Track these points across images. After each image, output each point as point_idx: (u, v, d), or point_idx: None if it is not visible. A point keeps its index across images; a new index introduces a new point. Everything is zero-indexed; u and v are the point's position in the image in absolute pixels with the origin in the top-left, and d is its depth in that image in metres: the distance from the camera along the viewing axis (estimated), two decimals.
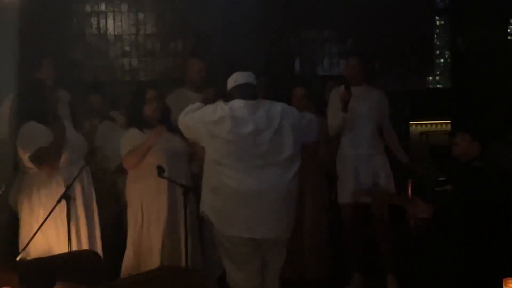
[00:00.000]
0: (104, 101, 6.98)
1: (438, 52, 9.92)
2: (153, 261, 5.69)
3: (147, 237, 5.75)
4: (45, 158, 5.51)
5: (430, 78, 9.90)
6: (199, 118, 5.09)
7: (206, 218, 5.17)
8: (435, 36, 9.78)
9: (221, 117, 4.97)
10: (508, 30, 9.50)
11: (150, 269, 5.49)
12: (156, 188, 5.71)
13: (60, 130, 5.56)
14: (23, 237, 5.55)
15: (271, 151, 4.95)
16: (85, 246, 5.66)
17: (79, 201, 5.64)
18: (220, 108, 5.03)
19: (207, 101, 5.40)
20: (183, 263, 5.60)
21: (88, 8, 8.57)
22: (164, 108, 5.86)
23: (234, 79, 5.18)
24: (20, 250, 5.43)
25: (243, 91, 5.13)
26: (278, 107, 5.12)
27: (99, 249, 5.79)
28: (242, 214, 4.96)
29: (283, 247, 5.23)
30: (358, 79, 6.53)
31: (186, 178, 5.78)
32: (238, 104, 5.06)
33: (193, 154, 5.79)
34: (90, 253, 5.51)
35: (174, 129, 5.80)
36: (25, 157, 5.52)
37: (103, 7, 8.57)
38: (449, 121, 8.55)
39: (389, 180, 6.46)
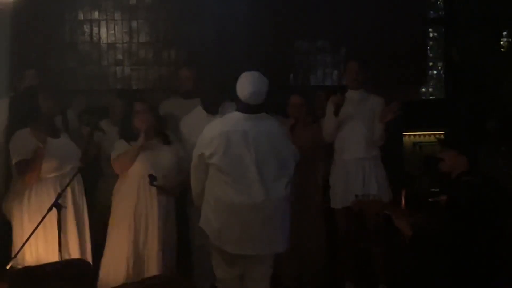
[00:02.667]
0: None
1: (431, 63, 9.94)
2: (144, 270, 5.68)
3: (140, 245, 5.73)
4: (25, 170, 5.50)
5: (423, 89, 9.92)
6: (198, 148, 5.04)
7: (204, 230, 5.14)
8: (428, 47, 9.80)
9: (219, 134, 4.90)
10: (501, 43, 9.52)
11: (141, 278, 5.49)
12: (145, 197, 5.70)
13: (41, 142, 5.54)
14: (16, 246, 5.53)
15: (264, 167, 4.88)
16: (74, 254, 5.63)
17: (69, 210, 5.63)
18: (216, 126, 4.99)
19: None
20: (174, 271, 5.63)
21: (81, 16, 8.53)
22: (155, 120, 5.88)
23: (247, 97, 4.93)
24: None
25: (249, 107, 4.96)
26: (278, 124, 5.10)
27: (89, 257, 5.77)
28: (235, 230, 4.93)
29: (268, 263, 5.18)
30: (357, 83, 6.53)
31: (174, 189, 5.83)
32: (237, 117, 4.98)
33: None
34: (80, 262, 5.50)
35: (167, 140, 5.83)
36: (13, 163, 5.54)
37: (96, 15, 8.54)
38: (443, 132, 8.54)
39: (383, 186, 6.45)
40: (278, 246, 5.07)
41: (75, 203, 5.73)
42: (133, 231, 5.73)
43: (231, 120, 4.99)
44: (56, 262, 5.33)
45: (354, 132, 6.47)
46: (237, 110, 5.03)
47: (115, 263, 5.75)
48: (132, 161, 5.69)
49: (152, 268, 5.70)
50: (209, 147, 4.91)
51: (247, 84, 4.93)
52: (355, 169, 6.48)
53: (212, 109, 6.24)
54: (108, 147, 6.26)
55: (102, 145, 6.46)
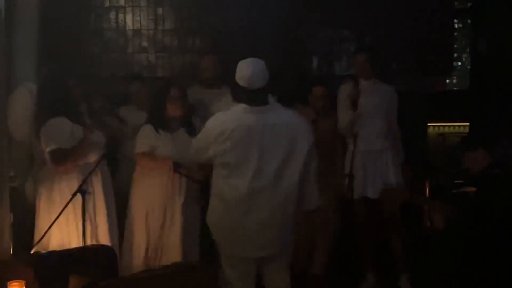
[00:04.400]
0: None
1: (455, 55, 9.90)
2: (169, 257, 5.71)
3: (162, 234, 5.76)
4: (62, 159, 5.53)
5: (448, 80, 9.90)
6: (204, 137, 4.80)
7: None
8: (454, 38, 9.77)
9: (223, 131, 4.67)
10: None
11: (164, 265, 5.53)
12: (168, 186, 5.72)
13: (88, 133, 5.58)
14: (39, 230, 5.57)
15: (268, 164, 4.67)
16: (103, 241, 5.66)
17: (99, 195, 5.65)
18: (220, 122, 4.74)
19: None
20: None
21: (107, 2, 8.56)
22: (187, 107, 5.87)
23: (248, 81, 4.71)
24: (35, 243, 5.46)
25: (253, 96, 4.74)
26: (289, 115, 4.85)
27: (116, 244, 5.80)
28: (234, 230, 4.76)
29: (284, 267, 5.01)
30: (367, 74, 6.51)
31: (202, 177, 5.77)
32: (242, 110, 4.74)
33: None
34: (104, 248, 5.53)
35: (192, 130, 5.82)
36: (46, 151, 5.55)
37: (122, 1, 8.55)
38: (467, 123, 8.53)
39: (398, 176, 6.45)
40: (277, 248, 4.87)
41: (104, 189, 5.75)
42: (154, 219, 5.76)
43: (235, 114, 4.75)
44: (80, 248, 5.37)
45: (371, 123, 6.46)
46: (242, 101, 4.80)
47: (134, 250, 5.83)
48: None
49: (173, 255, 5.73)
50: (213, 144, 4.72)
51: (245, 67, 4.73)
52: (373, 160, 6.48)
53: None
54: (130, 134, 6.29)
55: (124, 131, 6.49)
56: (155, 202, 5.80)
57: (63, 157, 5.53)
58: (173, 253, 5.74)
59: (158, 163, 5.79)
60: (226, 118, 4.76)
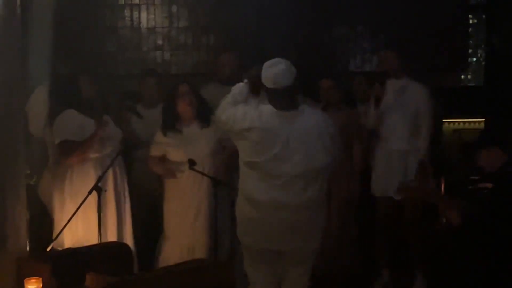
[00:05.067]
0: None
1: (470, 50, 9.86)
2: (193, 255, 5.73)
3: (187, 230, 5.78)
4: (69, 151, 5.55)
5: (462, 76, 9.87)
6: (230, 125, 4.81)
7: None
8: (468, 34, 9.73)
9: (251, 128, 4.69)
10: None
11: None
12: (190, 183, 5.74)
13: (100, 128, 5.59)
14: (57, 228, 5.59)
15: (297, 167, 4.69)
16: (113, 237, 5.68)
17: (109, 193, 5.66)
18: (250, 117, 4.71)
19: (250, 80, 4.96)
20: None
21: (121, 0, 8.58)
22: (199, 102, 5.83)
23: (273, 80, 4.70)
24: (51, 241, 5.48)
25: (279, 98, 4.73)
26: (316, 121, 4.81)
27: (129, 240, 5.81)
28: (262, 225, 4.81)
29: (307, 263, 5.02)
30: (397, 73, 6.44)
31: (215, 173, 5.78)
32: (270, 112, 4.73)
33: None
34: (120, 245, 5.55)
35: (206, 124, 5.82)
36: (55, 143, 5.58)
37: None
38: (482, 119, 8.49)
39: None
40: (305, 243, 4.91)
41: (115, 186, 5.76)
42: (185, 218, 5.78)
43: (262, 114, 4.74)
44: (96, 245, 5.38)
45: (397, 122, 6.40)
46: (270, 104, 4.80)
47: (171, 248, 5.84)
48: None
49: (201, 254, 5.75)
50: (236, 134, 4.81)
51: (270, 67, 4.74)
52: (398, 160, 6.43)
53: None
54: (142, 132, 6.30)
55: (136, 130, 6.49)
56: (176, 200, 5.83)
57: (69, 149, 5.54)
58: (201, 253, 5.76)
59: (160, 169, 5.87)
60: (254, 115, 4.75)
